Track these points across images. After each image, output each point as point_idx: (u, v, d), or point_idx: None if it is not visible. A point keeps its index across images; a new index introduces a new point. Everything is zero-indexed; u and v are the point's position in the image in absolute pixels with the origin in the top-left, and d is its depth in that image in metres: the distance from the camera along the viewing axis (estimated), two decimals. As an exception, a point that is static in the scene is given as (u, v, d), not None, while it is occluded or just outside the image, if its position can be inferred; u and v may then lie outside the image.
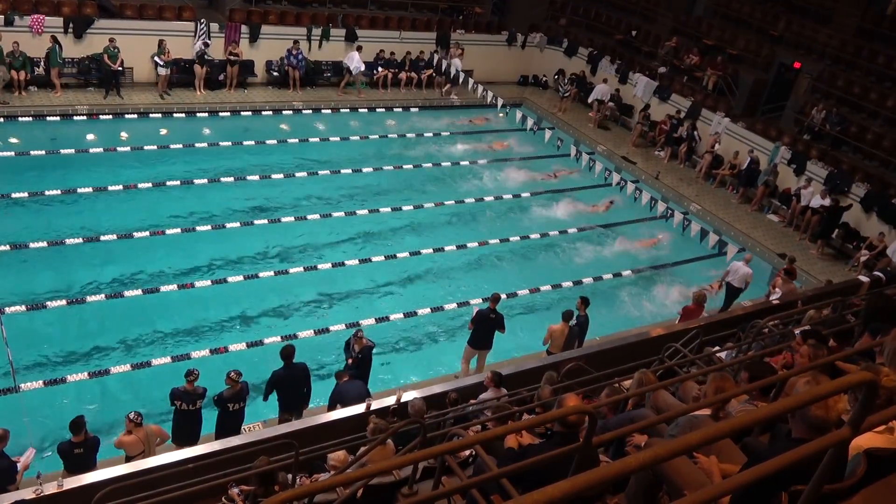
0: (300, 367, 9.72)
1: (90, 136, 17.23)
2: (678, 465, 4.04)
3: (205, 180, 16.21)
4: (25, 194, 14.47)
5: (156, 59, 18.86)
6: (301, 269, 13.97)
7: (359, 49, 21.47)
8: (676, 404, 6.01)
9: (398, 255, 14.91)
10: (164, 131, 18.01)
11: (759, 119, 21.12)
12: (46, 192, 14.64)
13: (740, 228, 17.86)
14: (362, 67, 21.54)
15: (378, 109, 21.68)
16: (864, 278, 13.58)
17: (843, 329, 7.89)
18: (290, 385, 9.66)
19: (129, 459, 8.33)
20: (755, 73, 21.83)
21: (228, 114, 19.55)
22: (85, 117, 17.78)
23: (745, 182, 19.24)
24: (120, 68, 18.44)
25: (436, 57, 23.06)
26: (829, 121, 19.27)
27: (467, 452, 6.41)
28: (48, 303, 11.85)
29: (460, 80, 22.29)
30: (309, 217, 15.63)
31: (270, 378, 9.66)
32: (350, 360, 10.27)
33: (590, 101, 23.14)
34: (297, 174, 17.37)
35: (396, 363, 12.20)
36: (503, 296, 11.93)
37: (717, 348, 9.69)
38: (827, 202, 17.27)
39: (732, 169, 19.75)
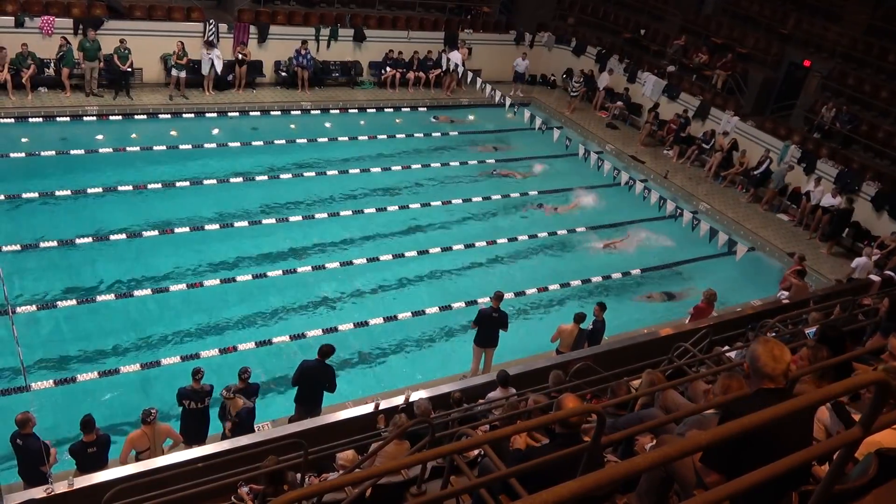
0: (329, 368, 9.74)
1: (100, 137, 17.32)
2: (690, 465, 4.02)
3: (213, 180, 16.26)
4: (36, 194, 14.56)
5: (172, 60, 18.93)
6: (309, 268, 14.00)
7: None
8: (685, 404, 5.98)
9: (406, 254, 14.91)
10: (173, 132, 18.08)
11: (768, 118, 21.02)
12: (56, 193, 14.73)
13: (750, 228, 17.78)
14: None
15: (386, 109, 21.70)
16: (874, 277, 13.50)
17: (853, 329, 7.84)
18: (312, 379, 9.71)
19: (138, 458, 8.37)
20: (764, 72, 21.73)
21: (237, 114, 19.60)
22: (94, 118, 17.87)
23: (758, 182, 19.16)
24: (130, 69, 18.52)
25: (443, 56, 23.09)
26: (839, 119, 19.16)
27: (475, 452, 6.41)
28: (58, 302, 11.92)
29: (464, 76, 22.36)
30: (317, 216, 15.68)
31: (300, 366, 9.73)
32: (229, 426, 9.09)
33: (600, 87, 23.43)
34: (306, 174, 17.41)
35: (404, 363, 12.21)
36: (511, 295, 11.92)
37: (726, 347, 9.65)
38: (838, 201, 17.18)
39: (741, 165, 19.67)
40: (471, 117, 22.65)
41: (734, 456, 3.26)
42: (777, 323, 9.42)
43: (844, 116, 19.10)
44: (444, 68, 22.84)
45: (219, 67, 19.48)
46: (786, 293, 13.29)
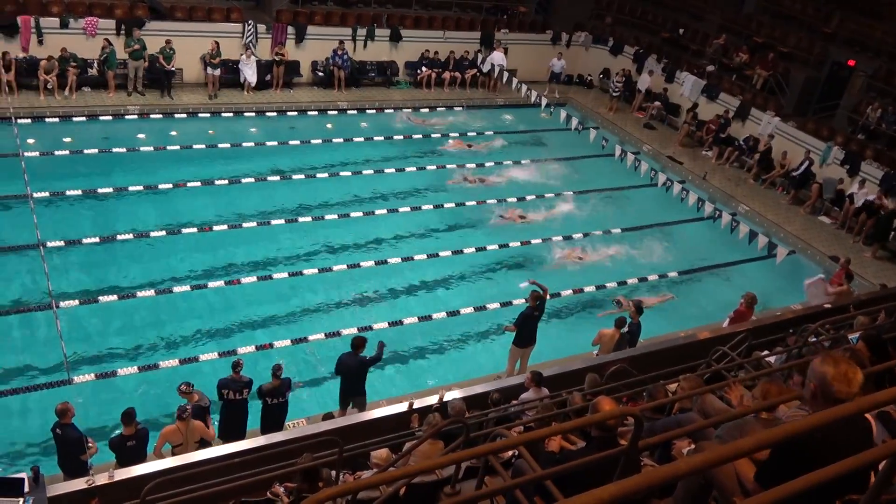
0: (363, 359, 9.89)
1: (141, 136, 17.64)
2: (731, 471, 3.95)
3: (251, 179, 16.45)
4: (79, 192, 14.88)
5: (206, 59, 19.21)
6: (344, 266, 14.07)
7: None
8: (724, 409, 5.89)
9: (440, 253, 14.91)
10: (211, 131, 18.34)
11: (810, 118, 20.60)
12: (99, 190, 15.03)
13: (791, 230, 17.44)
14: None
15: (422, 109, 21.73)
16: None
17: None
18: (349, 371, 9.88)
19: (172, 452, 8.50)
20: (807, 72, 21.31)
21: (275, 114, 19.83)
22: (136, 117, 18.22)
23: (799, 184, 18.80)
24: (172, 69, 18.83)
25: (479, 56, 23.08)
26: (885, 119, 18.71)
27: (510, 453, 6.38)
28: (100, 298, 12.15)
29: (500, 75, 22.34)
30: (352, 215, 15.76)
31: (338, 359, 9.97)
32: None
33: (641, 90, 23.27)
34: (342, 173, 17.52)
35: (438, 362, 12.22)
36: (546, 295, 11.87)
37: (766, 352, 9.47)
38: (882, 202, 16.76)
39: (783, 167, 19.32)
40: (508, 117, 22.58)
41: (792, 478, 3.14)
42: (819, 328, 9.20)
43: (891, 117, 18.65)
44: (485, 70, 22.81)
45: (251, 77, 19.73)
46: (827, 297, 13.02)
